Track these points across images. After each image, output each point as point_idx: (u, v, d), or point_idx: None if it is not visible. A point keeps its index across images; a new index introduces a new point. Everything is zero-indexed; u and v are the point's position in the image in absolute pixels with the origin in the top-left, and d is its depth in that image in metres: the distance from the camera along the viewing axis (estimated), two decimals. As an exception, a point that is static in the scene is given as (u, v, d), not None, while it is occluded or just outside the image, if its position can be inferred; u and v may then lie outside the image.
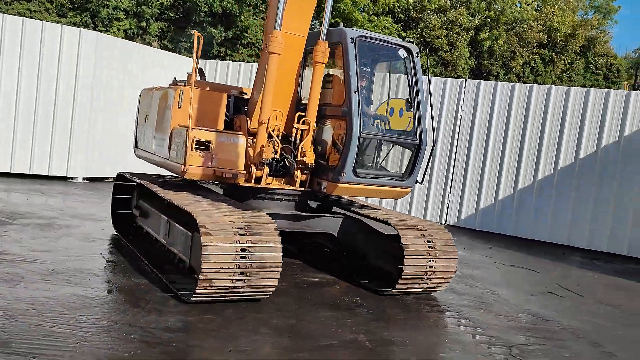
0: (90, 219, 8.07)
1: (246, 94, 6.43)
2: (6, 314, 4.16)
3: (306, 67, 6.07)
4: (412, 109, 5.96)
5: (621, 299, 7.19)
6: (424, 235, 5.76)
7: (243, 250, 4.52)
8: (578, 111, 10.64)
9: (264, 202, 5.86)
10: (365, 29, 28.66)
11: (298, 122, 5.61)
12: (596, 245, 10.32)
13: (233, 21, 23.12)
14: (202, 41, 5.95)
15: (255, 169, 5.53)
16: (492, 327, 5.27)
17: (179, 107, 5.77)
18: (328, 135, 5.86)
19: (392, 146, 6.17)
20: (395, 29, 28.71)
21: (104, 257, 6.12)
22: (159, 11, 22.24)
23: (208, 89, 6.19)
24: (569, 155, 10.67)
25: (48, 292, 4.74)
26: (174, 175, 6.43)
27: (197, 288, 4.49)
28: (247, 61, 23.74)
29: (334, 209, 6.48)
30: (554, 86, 11.20)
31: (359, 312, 5.26)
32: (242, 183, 5.57)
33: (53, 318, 4.20)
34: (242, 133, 5.74)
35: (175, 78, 6.85)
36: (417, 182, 6.09)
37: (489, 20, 29.76)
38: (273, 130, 5.56)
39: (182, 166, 5.33)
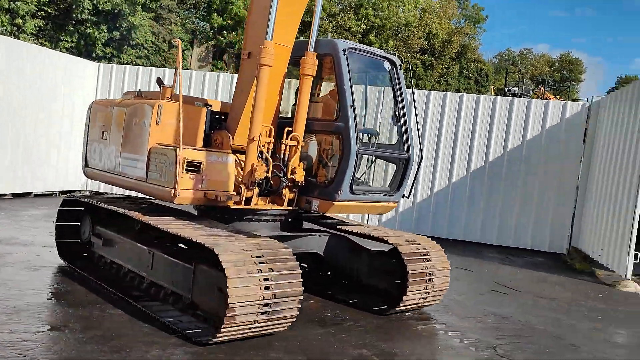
0: (17, 243, 7.32)
1: (212, 105, 5.95)
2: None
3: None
4: (398, 123, 5.85)
5: (553, 291, 7.93)
6: (420, 251, 5.77)
7: (266, 280, 4.29)
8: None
9: (250, 224, 5.54)
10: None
11: (287, 138, 5.36)
12: (503, 241, 11.27)
13: (121, 20, 21.86)
14: (180, 48, 5.50)
15: (245, 190, 5.22)
16: (469, 330, 5.62)
17: (157, 124, 5.30)
18: (313, 151, 5.65)
19: (375, 159, 6.13)
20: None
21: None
22: (36, 8, 20.41)
23: (174, 101, 5.65)
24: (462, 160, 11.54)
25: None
26: (147, 197, 6.03)
27: (223, 327, 4.16)
28: (136, 63, 22.60)
29: (305, 224, 6.20)
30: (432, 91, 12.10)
31: (348, 326, 5.33)
32: (232, 205, 5.24)
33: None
34: (229, 151, 5.43)
35: (140, 90, 6.33)
36: (404, 196, 5.99)
37: (375, 25, 31.08)
38: (263, 147, 5.30)
39: (172, 190, 4.92)
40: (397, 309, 5.73)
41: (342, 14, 30.42)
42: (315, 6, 5.48)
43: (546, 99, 23.65)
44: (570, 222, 10.77)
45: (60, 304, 5.16)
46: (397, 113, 5.87)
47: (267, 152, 5.32)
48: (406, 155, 5.82)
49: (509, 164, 11.21)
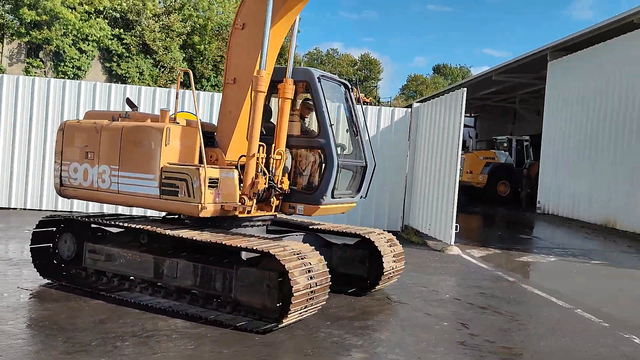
0: None
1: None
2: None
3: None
4: (357, 136, 6.81)
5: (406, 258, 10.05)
6: (386, 239, 6.90)
7: (309, 271, 5.18)
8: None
9: (246, 229, 6.25)
10: (78, 29, 27.30)
11: (273, 153, 5.99)
12: (352, 223, 13.33)
13: None
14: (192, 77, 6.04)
15: (248, 200, 5.82)
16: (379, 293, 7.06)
17: (166, 145, 5.79)
18: (289, 163, 6.36)
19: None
20: (115, 33, 28.34)
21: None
22: None
23: (179, 124, 6.09)
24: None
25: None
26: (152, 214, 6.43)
27: (289, 312, 4.98)
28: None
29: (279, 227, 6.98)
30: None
31: (333, 312, 6.03)
32: (239, 214, 5.87)
33: None
34: (234, 168, 5.99)
35: (127, 112, 6.46)
36: (361, 197, 6.97)
37: (198, 26, 31.75)
38: (259, 162, 5.85)
39: (199, 204, 5.54)
40: (374, 290, 6.79)
41: (166, 15, 30.57)
42: (291, 39, 6.32)
43: (364, 102, 26.72)
44: (402, 206, 13.29)
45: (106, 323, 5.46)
46: (354, 128, 6.88)
47: (262, 165, 5.90)
48: (364, 163, 6.86)
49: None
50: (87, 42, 27.34)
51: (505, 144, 24.78)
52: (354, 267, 6.97)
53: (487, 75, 25.27)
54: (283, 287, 5.13)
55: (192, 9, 31.60)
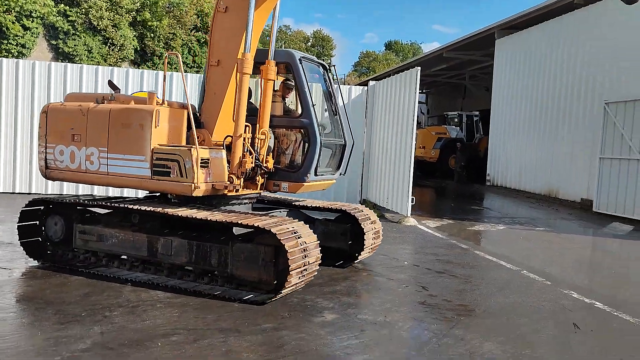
0: None
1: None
2: None
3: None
4: (335, 116, 7.01)
5: (412, 238, 10.64)
6: (365, 215, 7.22)
7: (305, 250, 5.48)
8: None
9: (234, 207, 6.50)
10: (21, 5, 26.33)
11: (258, 133, 6.15)
12: (316, 197, 13.82)
13: None
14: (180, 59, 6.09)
15: (236, 179, 6.05)
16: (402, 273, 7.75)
17: (156, 127, 5.94)
18: (271, 142, 6.50)
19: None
20: (60, 10, 27.47)
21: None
22: None
23: (167, 105, 6.22)
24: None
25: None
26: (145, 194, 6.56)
27: (286, 284, 5.29)
28: None
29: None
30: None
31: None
32: (228, 192, 6.13)
33: None
34: (222, 148, 6.16)
35: (113, 93, 6.48)
36: (341, 174, 7.25)
37: (148, 2, 31.14)
38: (246, 142, 6.07)
39: (192, 184, 5.76)
40: (356, 262, 7.20)
41: (115, -10, 29.80)
42: (273, 21, 6.47)
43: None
44: (360, 181, 13.81)
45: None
46: (332, 108, 7.10)
47: (248, 145, 6.11)
48: (343, 142, 7.12)
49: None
50: (31, 19, 26.45)
51: (456, 120, 25.68)
52: (337, 240, 7.29)
53: (438, 53, 25.97)
54: (279, 262, 5.48)
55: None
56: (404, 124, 11.57)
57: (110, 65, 27.51)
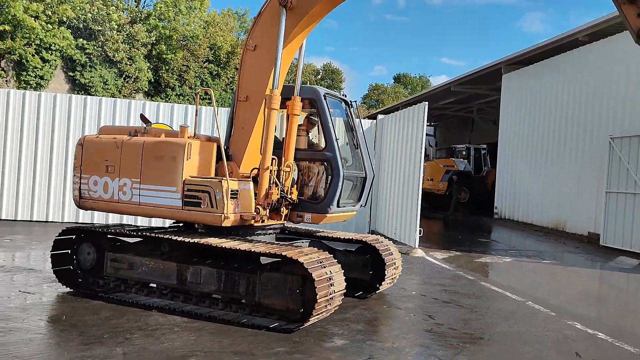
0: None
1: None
2: None
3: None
4: (357, 149, 7.15)
5: (420, 269, 10.85)
6: (385, 246, 7.35)
7: (330, 279, 5.66)
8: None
9: (259, 237, 6.63)
10: (41, 38, 27.22)
11: (283, 165, 6.34)
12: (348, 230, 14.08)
13: None
14: (213, 95, 6.42)
15: (262, 210, 6.23)
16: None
17: (188, 159, 6.17)
18: (295, 174, 6.65)
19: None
20: (77, 43, 28.36)
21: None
22: None
23: (198, 139, 6.48)
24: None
25: None
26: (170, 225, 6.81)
27: (314, 312, 5.43)
28: None
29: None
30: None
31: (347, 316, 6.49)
32: (254, 223, 6.30)
33: None
34: (249, 180, 6.36)
35: (145, 127, 6.76)
36: (361, 206, 7.36)
37: (164, 36, 32.06)
38: (272, 174, 6.24)
39: (222, 215, 5.94)
40: (377, 292, 7.27)
41: (130, 25, 30.78)
42: (299, 59, 6.81)
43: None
44: (369, 212, 14.07)
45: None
46: (354, 141, 7.29)
47: (274, 177, 6.31)
48: (364, 174, 7.24)
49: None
50: (50, 52, 27.30)
51: (464, 152, 25.99)
52: (357, 272, 7.36)
53: (446, 86, 26.47)
54: (306, 291, 5.64)
55: (157, 20, 31.91)
56: (412, 156, 11.88)
57: (124, 96, 28.26)
